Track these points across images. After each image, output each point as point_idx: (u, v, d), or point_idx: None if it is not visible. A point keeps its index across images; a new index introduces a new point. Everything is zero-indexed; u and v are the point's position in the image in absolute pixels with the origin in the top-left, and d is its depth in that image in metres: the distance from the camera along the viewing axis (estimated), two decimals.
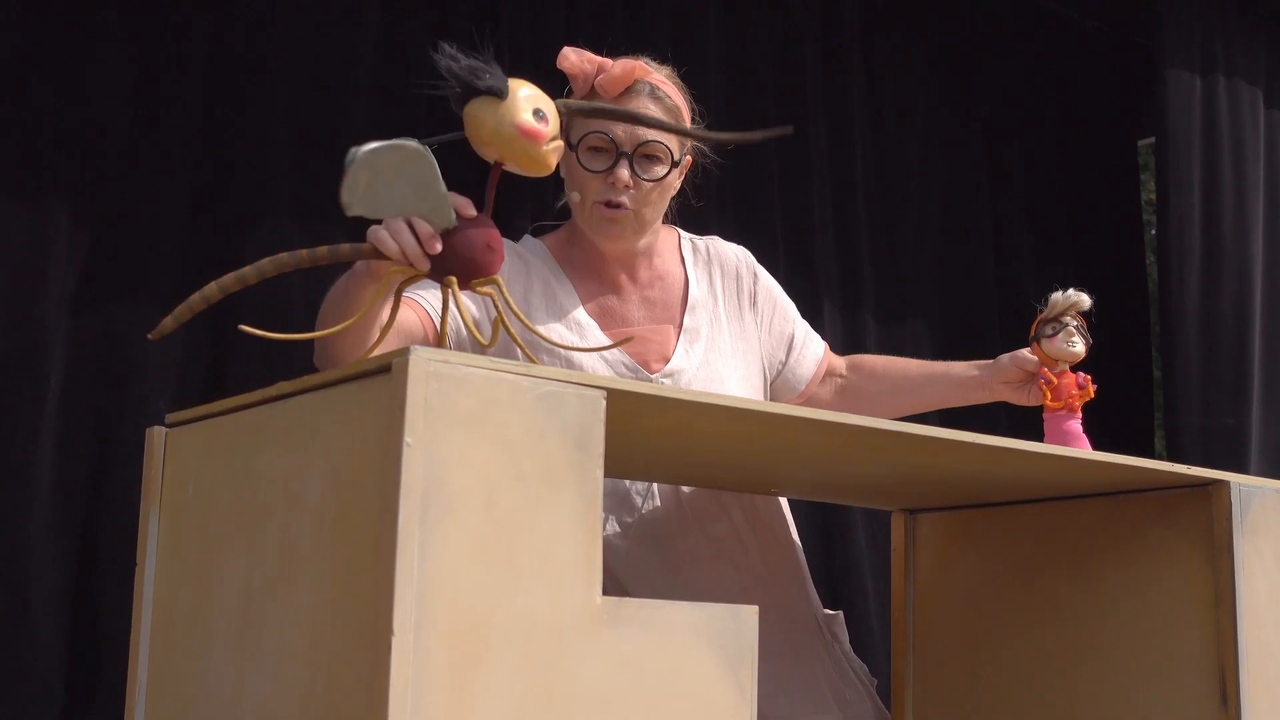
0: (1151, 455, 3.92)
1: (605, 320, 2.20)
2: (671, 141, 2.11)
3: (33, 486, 2.64)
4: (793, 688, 2.19)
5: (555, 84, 3.45)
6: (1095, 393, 2.05)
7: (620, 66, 2.08)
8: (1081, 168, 4.57)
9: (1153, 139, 4.32)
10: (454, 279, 1.53)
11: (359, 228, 3.19)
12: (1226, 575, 1.86)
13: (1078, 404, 2.02)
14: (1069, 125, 4.55)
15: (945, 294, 4.04)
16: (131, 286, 2.84)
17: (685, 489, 2.18)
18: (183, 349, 2.82)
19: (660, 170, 2.11)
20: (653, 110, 2.09)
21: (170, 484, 1.56)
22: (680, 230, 2.35)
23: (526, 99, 1.51)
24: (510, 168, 1.55)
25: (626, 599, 1.28)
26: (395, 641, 1.14)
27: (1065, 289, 2.07)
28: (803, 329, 2.39)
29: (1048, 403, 2.03)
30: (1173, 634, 1.92)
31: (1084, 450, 1.89)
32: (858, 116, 4.03)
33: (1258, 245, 4.17)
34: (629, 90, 2.09)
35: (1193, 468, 1.90)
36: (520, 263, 2.18)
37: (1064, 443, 1.95)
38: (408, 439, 1.17)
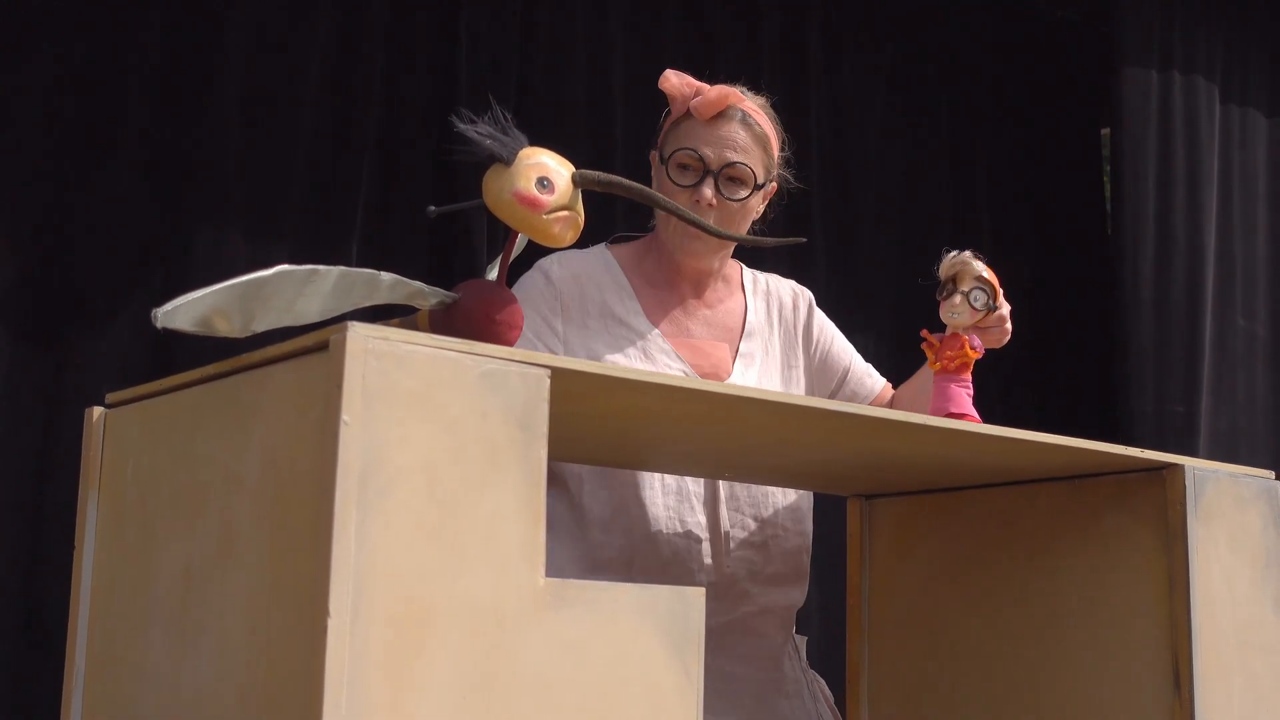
0: (1115, 441, 3.94)
1: (669, 331, 2.27)
2: (756, 164, 2.23)
3: None
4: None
5: (523, 84, 3.44)
6: (978, 354, 1.92)
7: (715, 91, 2.20)
8: (1045, 156, 4.58)
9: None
10: None
11: (304, 225, 3.17)
12: (1180, 559, 1.86)
13: (953, 366, 1.90)
14: (1034, 113, 4.56)
15: (903, 284, 4.04)
16: (76, 272, 2.81)
17: (724, 523, 2.22)
18: (129, 332, 2.79)
19: (743, 192, 2.23)
20: (741, 135, 2.21)
21: (109, 465, 1.53)
22: (744, 265, 2.44)
23: (531, 167, 1.47)
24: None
25: (570, 580, 1.26)
26: (331, 624, 1.11)
27: (962, 250, 1.93)
28: (860, 366, 2.45)
29: (930, 364, 1.94)
30: (1127, 617, 1.92)
31: (1041, 434, 1.85)
32: (815, 103, 4.02)
33: (1210, 236, 4.21)
34: (722, 114, 2.21)
35: (1147, 451, 1.89)
36: (575, 285, 2.24)
37: (941, 405, 1.88)
38: (345, 417, 1.14)
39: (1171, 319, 4.07)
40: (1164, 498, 1.89)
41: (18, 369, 2.69)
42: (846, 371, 2.42)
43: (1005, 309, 2.03)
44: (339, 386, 1.15)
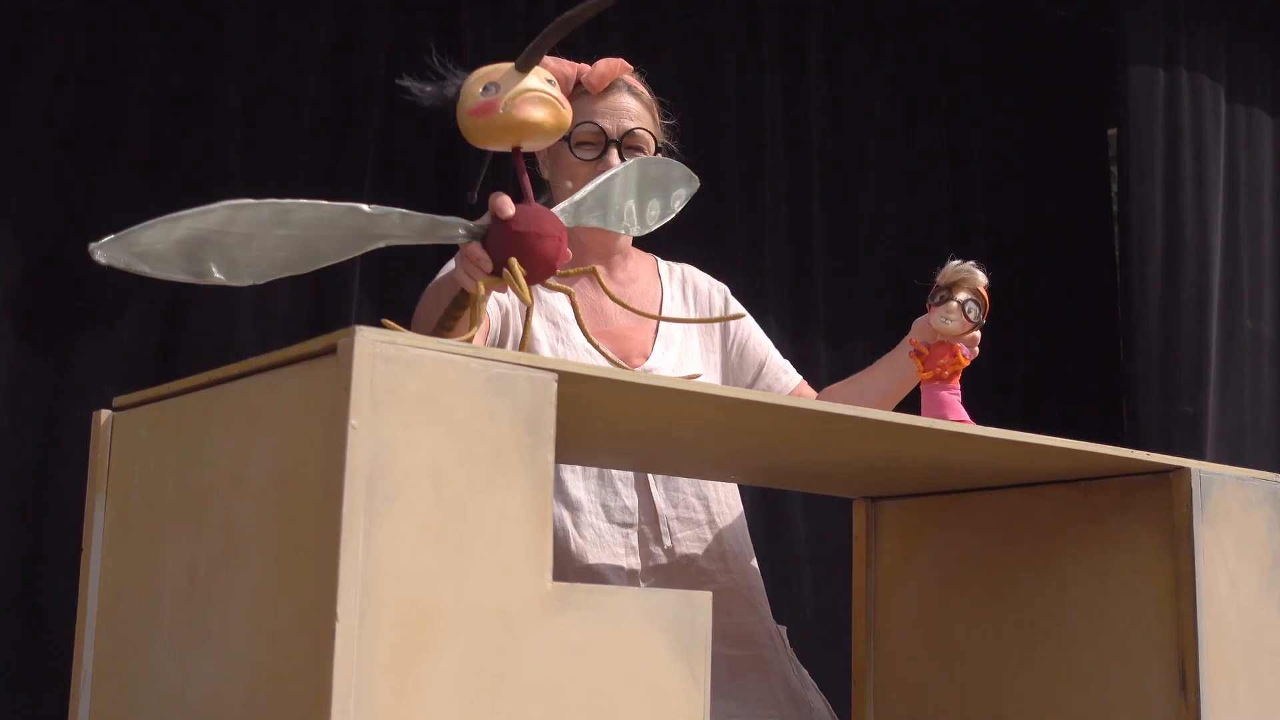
0: (1121, 443, 3.96)
1: (586, 315, 2.23)
2: (653, 128, 2.26)
3: None
4: (761, 704, 2.23)
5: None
6: (968, 362, 1.94)
7: (604, 64, 2.22)
8: (1046, 156, 4.58)
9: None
10: (513, 261, 1.51)
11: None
12: (1186, 562, 1.85)
13: (946, 373, 1.92)
14: (1035, 114, 4.55)
15: (903, 285, 4.03)
16: (77, 273, 2.81)
17: (661, 505, 2.21)
18: (131, 333, 2.79)
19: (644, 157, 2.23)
20: (632, 104, 2.25)
21: (116, 469, 1.52)
22: (658, 257, 2.43)
23: (473, 83, 1.51)
24: (526, 147, 1.55)
25: (577, 585, 1.26)
26: (339, 627, 1.11)
27: (965, 260, 1.96)
28: (777, 360, 2.45)
29: (919, 372, 1.96)
30: (1133, 621, 1.91)
31: (1047, 437, 1.84)
32: (815, 103, 4.01)
33: (1217, 235, 4.20)
34: (610, 86, 2.23)
35: (1153, 454, 1.88)
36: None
37: (937, 412, 1.88)
38: (353, 421, 1.14)
39: (1178, 320, 4.06)
40: (1170, 501, 1.88)
41: (20, 370, 2.69)
42: (763, 365, 2.42)
43: (977, 333, 2.03)
44: (346, 390, 1.14)
